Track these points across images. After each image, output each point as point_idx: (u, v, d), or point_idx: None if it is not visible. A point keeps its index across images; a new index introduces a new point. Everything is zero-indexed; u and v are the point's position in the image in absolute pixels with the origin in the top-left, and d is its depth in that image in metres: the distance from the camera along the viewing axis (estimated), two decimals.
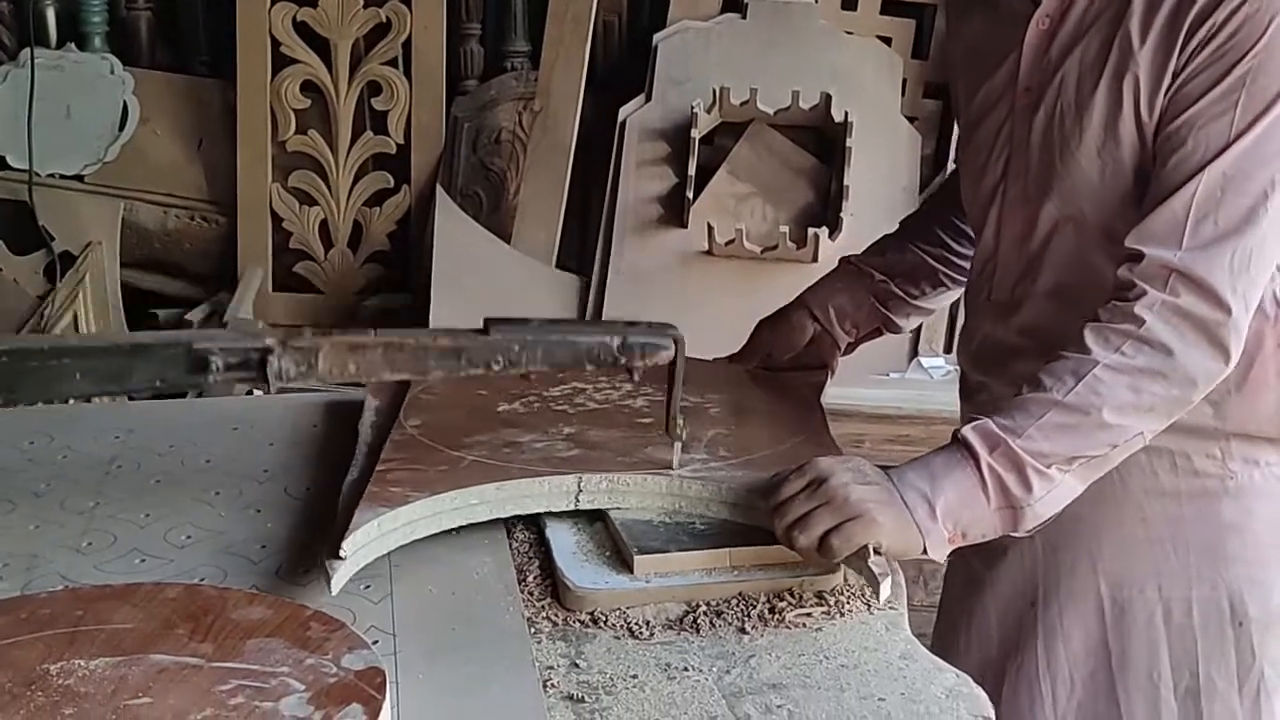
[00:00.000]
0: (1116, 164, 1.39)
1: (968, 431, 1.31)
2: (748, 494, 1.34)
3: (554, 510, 1.38)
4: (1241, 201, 1.32)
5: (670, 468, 1.39)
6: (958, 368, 1.73)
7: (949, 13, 1.68)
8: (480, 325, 1.32)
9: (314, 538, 1.35)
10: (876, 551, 1.24)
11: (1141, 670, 1.51)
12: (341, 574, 1.23)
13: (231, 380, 1.28)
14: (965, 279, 1.70)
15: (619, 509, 1.38)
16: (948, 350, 3.11)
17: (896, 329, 1.74)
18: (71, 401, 2.78)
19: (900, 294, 1.71)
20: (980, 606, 1.61)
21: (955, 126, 1.74)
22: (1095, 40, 1.41)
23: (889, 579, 1.22)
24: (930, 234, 1.72)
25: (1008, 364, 1.51)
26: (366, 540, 1.28)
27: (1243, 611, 1.49)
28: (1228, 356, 1.33)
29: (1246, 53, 1.31)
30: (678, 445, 1.41)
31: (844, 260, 1.74)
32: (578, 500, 1.38)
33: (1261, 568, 1.49)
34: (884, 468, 1.33)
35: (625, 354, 1.34)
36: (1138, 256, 1.33)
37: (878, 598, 1.23)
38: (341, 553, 1.24)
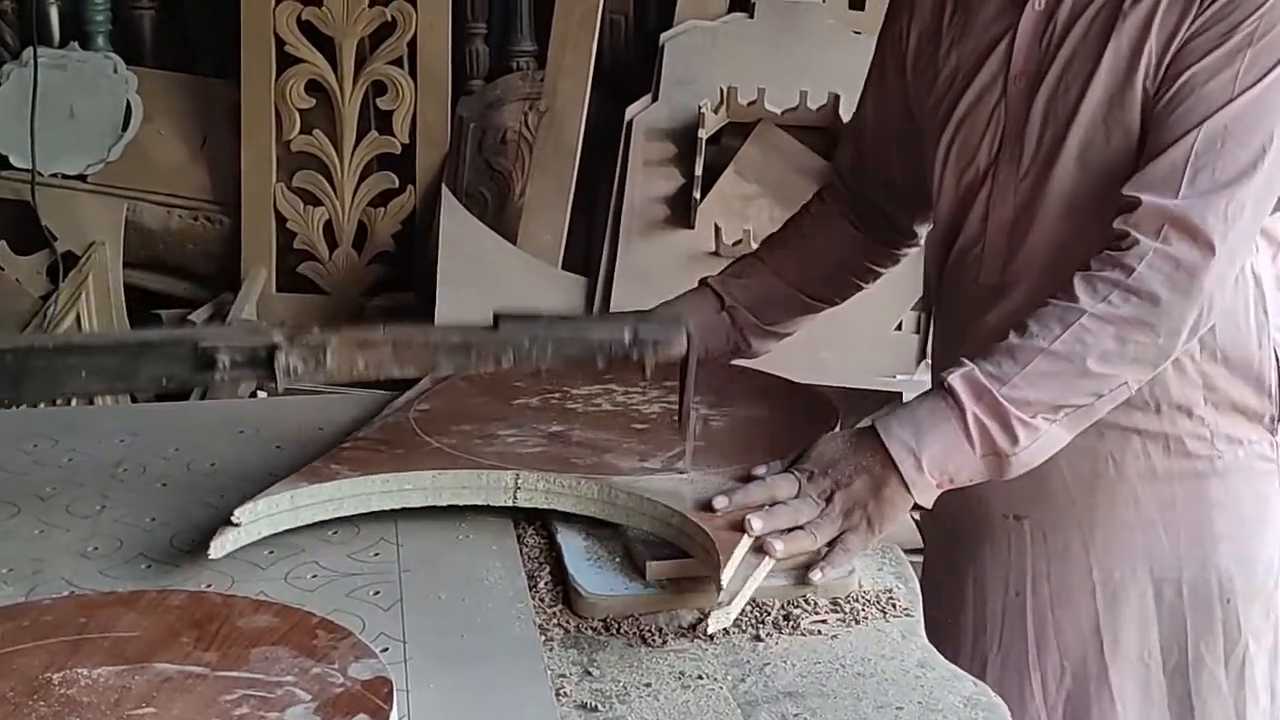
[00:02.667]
0: (1124, 129, 1.40)
1: (955, 380, 1.31)
2: (667, 509, 1.30)
3: (493, 504, 1.36)
4: (1241, 154, 1.33)
5: (620, 473, 1.37)
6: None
7: (896, 10, 1.65)
8: (490, 320, 1.30)
9: (321, 543, 1.34)
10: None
11: (1133, 652, 1.53)
12: (228, 539, 1.25)
13: (239, 378, 1.27)
14: (830, 304, 1.72)
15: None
16: None
17: (751, 353, 1.70)
18: (76, 403, 2.77)
19: (754, 320, 1.68)
20: (959, 597, 1.60)
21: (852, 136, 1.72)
22: (1099, 15, 1.41)
23: (727, 611, 1.17)
24: (796, 266, 1.69)
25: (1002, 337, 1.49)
26: (272, 511, 1.29)
27: (1230, 588, 1.51)
28: (1211, 303, 1.34)
29: (1254, 10, 1.33)
30: (689, 444, 1.39)
31: (701, 280, 1.71)
32: (515, 497, 1.36)
33: (1246, 543, 1.52)
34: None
35: (637, 349, 1.33)
36: (1134, 204, 1.33)
37: (706, 629, 1.17)
38: (234, 519, 1.25)
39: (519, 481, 1.36)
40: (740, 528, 1.24)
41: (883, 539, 1.40)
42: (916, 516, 1.64)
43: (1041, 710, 1.55)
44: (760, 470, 1.34)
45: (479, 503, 1.36)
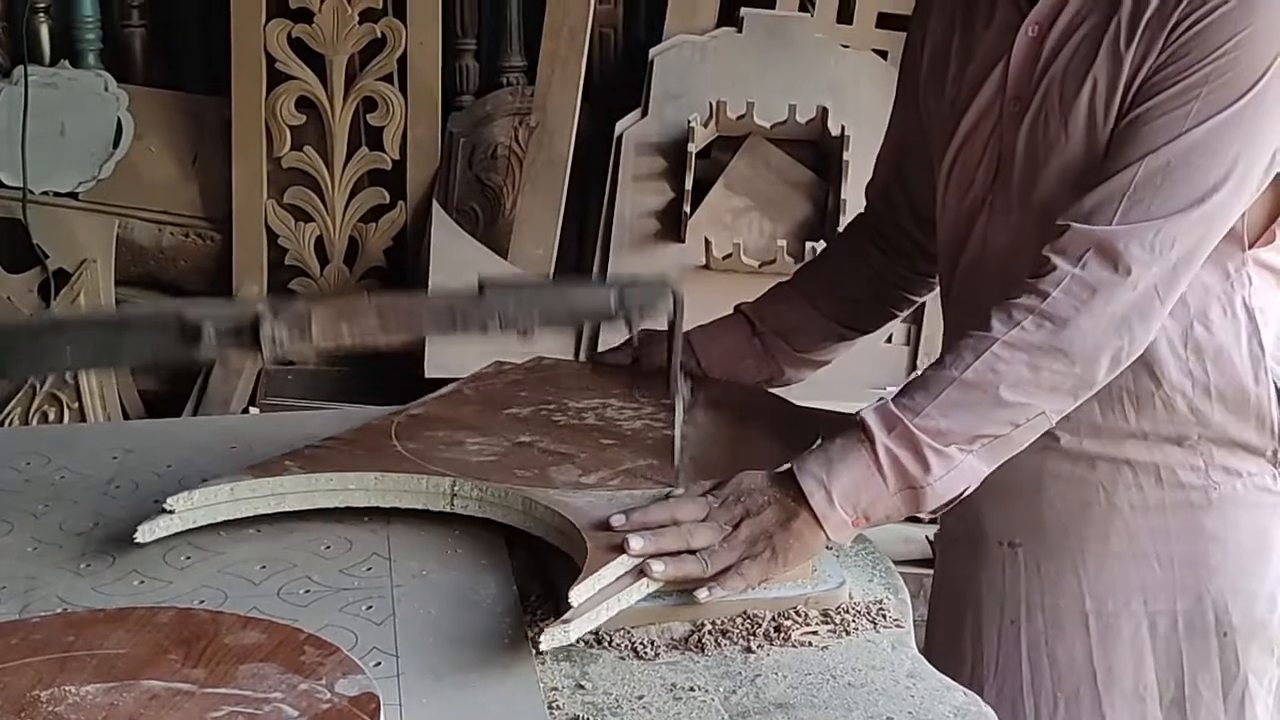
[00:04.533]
0: (1098, 164, 1.38)
1: (867, 413, 1.29)
2: (570, 524, 1.29)
3: (433, 509, 1.38)
4: (1181, 191, 1.31)
5: (553, 486, 1.36)
6: None
7: (915, 21, 1.65)
8: (475, 287, 1.30)
9: (314, 558, 1.34)
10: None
11: (1128, 684, 1.51)
12: (158, 525, 1.30)
13: (225, 349, 1.25)
14: (864, 332, 1.71)
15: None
16: None
17: (784, 381, 1.68)
18: (67, 420, 2.78)
19: (787, 347, 1.66)
20: (958, 623, 1.60)
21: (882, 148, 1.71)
22: (1081, 44, 1.40)
23: (565, 630, 1.14)
24: (829, 294, 1.68)
25: None
26: (210, 502, 1.33)
27: (1227, 622, 1.49)
28: (1131, 334, 1.32)
29: (1213, 52, 1.31)
30: (679, 409, 1.39)
31: (737, 307, 1.69)
32: (452, 504, 1.37)
33: (1244, 577, 1.50)
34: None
35: (623, 314, 1.32)
36: (1063, 230, 1.32)
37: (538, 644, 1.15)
38: (167, 505, 1.29)
39: (455, 488, 1.37)
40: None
41: (874, 554, 1.40)
42: (930, 537, 1.64)
43: None
44: (678, 491, 1.32)
45: (419, 507, 1.38)
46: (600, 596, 1.19)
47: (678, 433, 1.39)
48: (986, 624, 1.57)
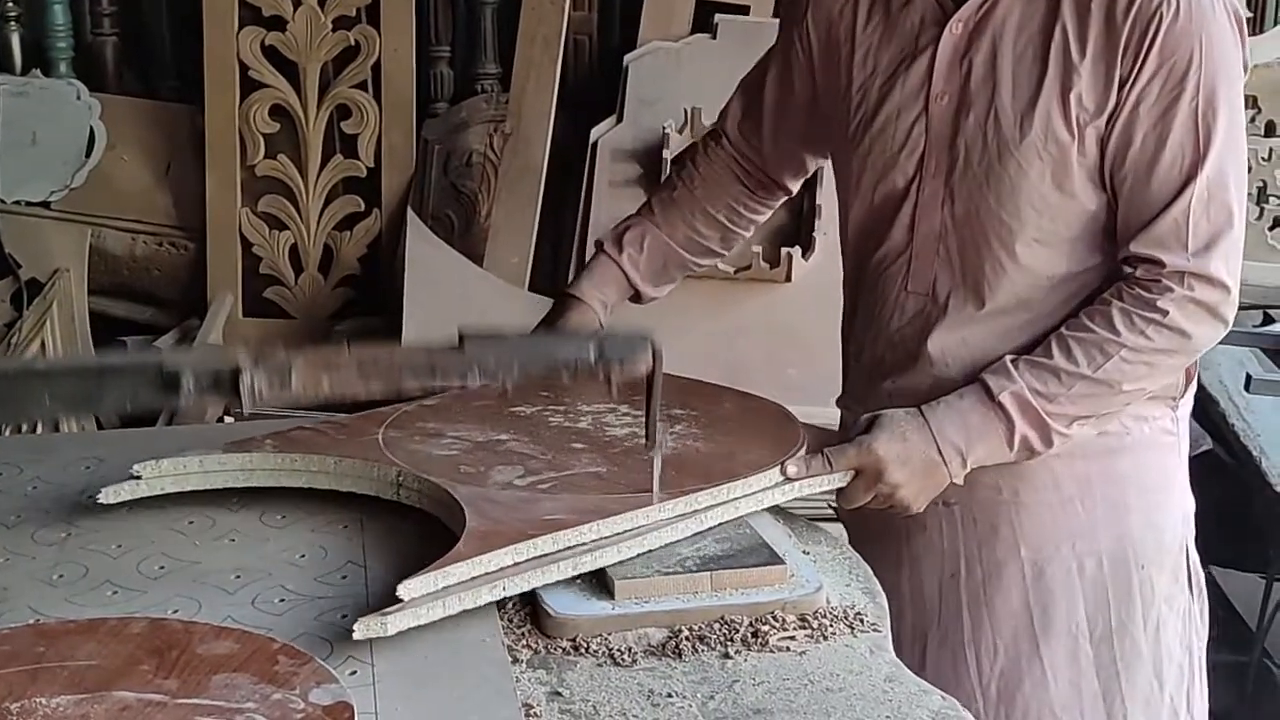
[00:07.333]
0: (1058, 162, 1.49)
1: (1006, 399, 1.48)
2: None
3: (383, 497, 1.42)
4: (1224, 198, 1.48)
5: (487, 484, 1.39)
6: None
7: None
8: (455, 340, 1.31)
9: (289, 566, 1.33)
10: None
11: (1062, 625, 1.61)
12: (123, 489, 1.37)
13: (204, 400, 1.27)
14: (718, 259, 1.86)
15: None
16: None
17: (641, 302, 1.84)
18: (40, 430, 2.76)
19: (641, 291, 1.81)
20: (895, 582, 1.63)
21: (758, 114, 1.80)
22: (1026, 49, 1.49)
23: (382, 622, 1.15)
24: (689, 230, 1.80)
25: (923, 343, 1.58)
26: (178, 471, 1.41)
27: (1144, 555, 1.62)
28: (1228, 324, 1.52)
29: (1189, 61, 1.44)
30: (657, 459, 1.39)
31: (600, 249, 1.79)
32: (399, 494, 1.42)
33: (1154, 512, 1.63)
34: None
35: (602, 366, 1.34)
36: (1155, 261, 1.47)
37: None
38: (134, 470, 1.36)
39: (400, 479, 1.42)
40: (495, 546, 1.25)
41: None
42: (834, 501, 1.71)
43: (976, 687, 1.62)
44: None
45: (372, 493, 1.42)
46: (439, 594, 1.20)
47: (656, 482, 1.39)
48: (927, 580, 1.64)
